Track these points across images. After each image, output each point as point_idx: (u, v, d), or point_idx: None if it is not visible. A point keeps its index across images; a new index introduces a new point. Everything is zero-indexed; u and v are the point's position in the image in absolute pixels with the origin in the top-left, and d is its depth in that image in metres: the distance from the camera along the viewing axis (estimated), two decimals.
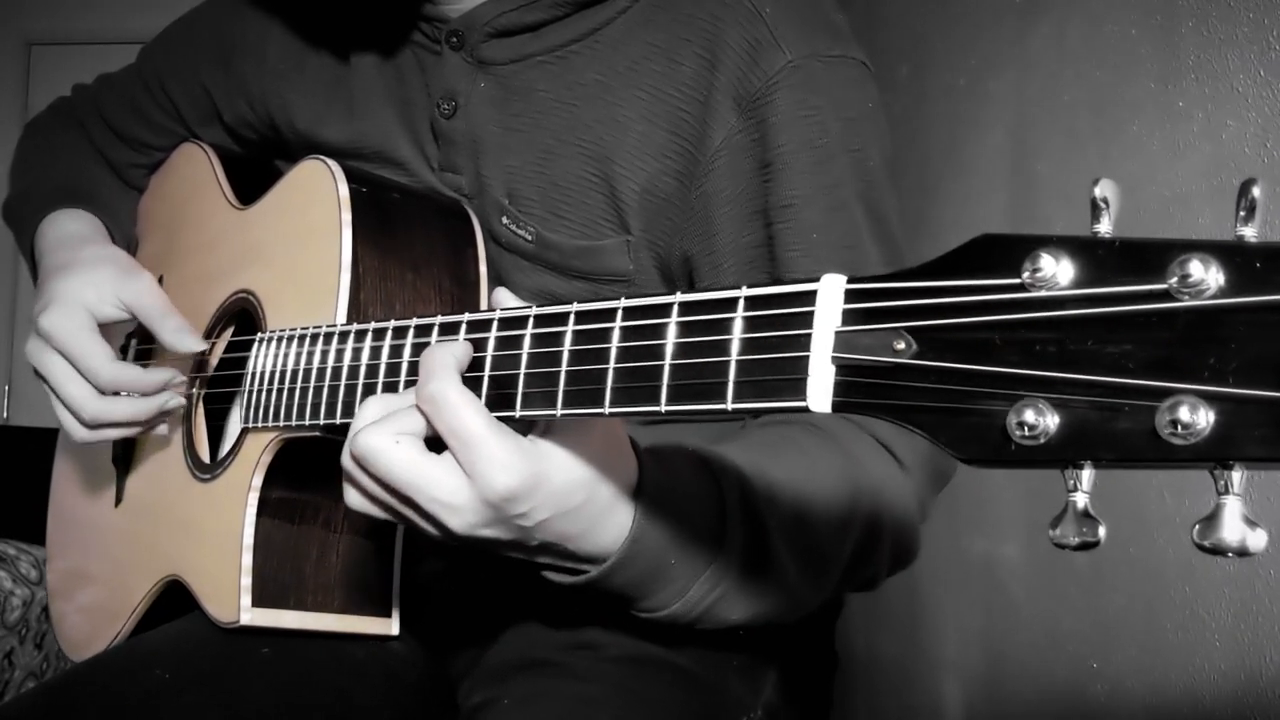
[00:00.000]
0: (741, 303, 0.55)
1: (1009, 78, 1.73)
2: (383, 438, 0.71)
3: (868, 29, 2.31)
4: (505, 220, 1.03)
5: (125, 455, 1.24)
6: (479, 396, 0.71)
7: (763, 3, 0.95)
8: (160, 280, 1.27)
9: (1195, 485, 1.20)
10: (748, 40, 0.94)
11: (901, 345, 0.47)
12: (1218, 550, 0.41)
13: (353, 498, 0.77)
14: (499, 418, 0.70)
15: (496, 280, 1.06)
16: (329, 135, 1.14)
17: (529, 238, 1.02)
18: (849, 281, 0.51)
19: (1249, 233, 0.40)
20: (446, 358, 0.71)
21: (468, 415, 0.69)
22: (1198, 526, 0.41)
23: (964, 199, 1.90)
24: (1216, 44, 1.19)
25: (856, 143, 0.95)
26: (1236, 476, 0.41)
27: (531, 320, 0.68)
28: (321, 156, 1.03)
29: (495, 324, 0.70)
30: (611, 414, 0.59)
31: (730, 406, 0.54)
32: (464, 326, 0.72)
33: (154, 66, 1.31)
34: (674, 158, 0.97)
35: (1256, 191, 0.40)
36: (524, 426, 0.72)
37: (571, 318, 0.65)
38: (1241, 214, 0.40)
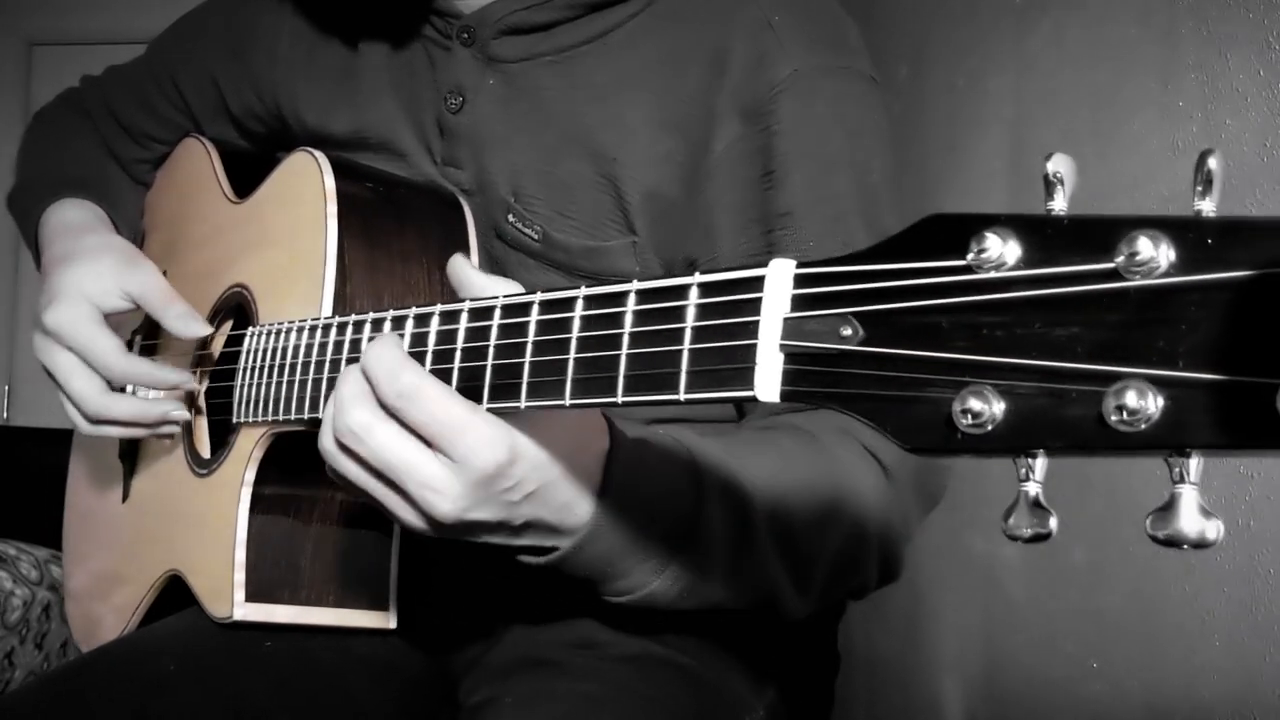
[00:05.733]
0: (694, 290, 0.54)
1: (1008, 78, 1.72)
2: (369, 414, 0.68)
3: (867, 29, 2.29)
4: (511, 218, 1.02)
5: (131, 451, 1.25)
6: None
7: (772, 13, 0.95)
8: (164, 275, 1.27)
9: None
10: (755, 49, 0.94)
11: (848, 331, 0.46)
12: (1173, 542, 0.39)
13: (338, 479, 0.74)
14: None
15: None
16: (334, 127, 1.14)
17: (535, 236, 1.02)
18: (798, 266, 0.50)
19: (1207, 207, 0.39)
20: (400, 351, 0.69)
21: (449, 403, 0.67)
22: (1151, 518, 0.39)
23: (963, 198, 1.89)
24: (1216, 44, 1.18)
25: (860, 156, 0.96)
26: (1193, 464, 0.39)
27: (499, 311, 0.67)
28: (310, 149, 1.03)
29: (465, 315, 0.69)
30: (573, 405, 0.58)
31: (683, 396, 0.53)
32: (435, 318, 0.72)
33: (163, 58, 1.31)
34: (678, 163, 0.97)
35: (1214, 163, 0.38)
36: None
37: (535, 308, 0.64)
38: (1199, 188, 0.38)
